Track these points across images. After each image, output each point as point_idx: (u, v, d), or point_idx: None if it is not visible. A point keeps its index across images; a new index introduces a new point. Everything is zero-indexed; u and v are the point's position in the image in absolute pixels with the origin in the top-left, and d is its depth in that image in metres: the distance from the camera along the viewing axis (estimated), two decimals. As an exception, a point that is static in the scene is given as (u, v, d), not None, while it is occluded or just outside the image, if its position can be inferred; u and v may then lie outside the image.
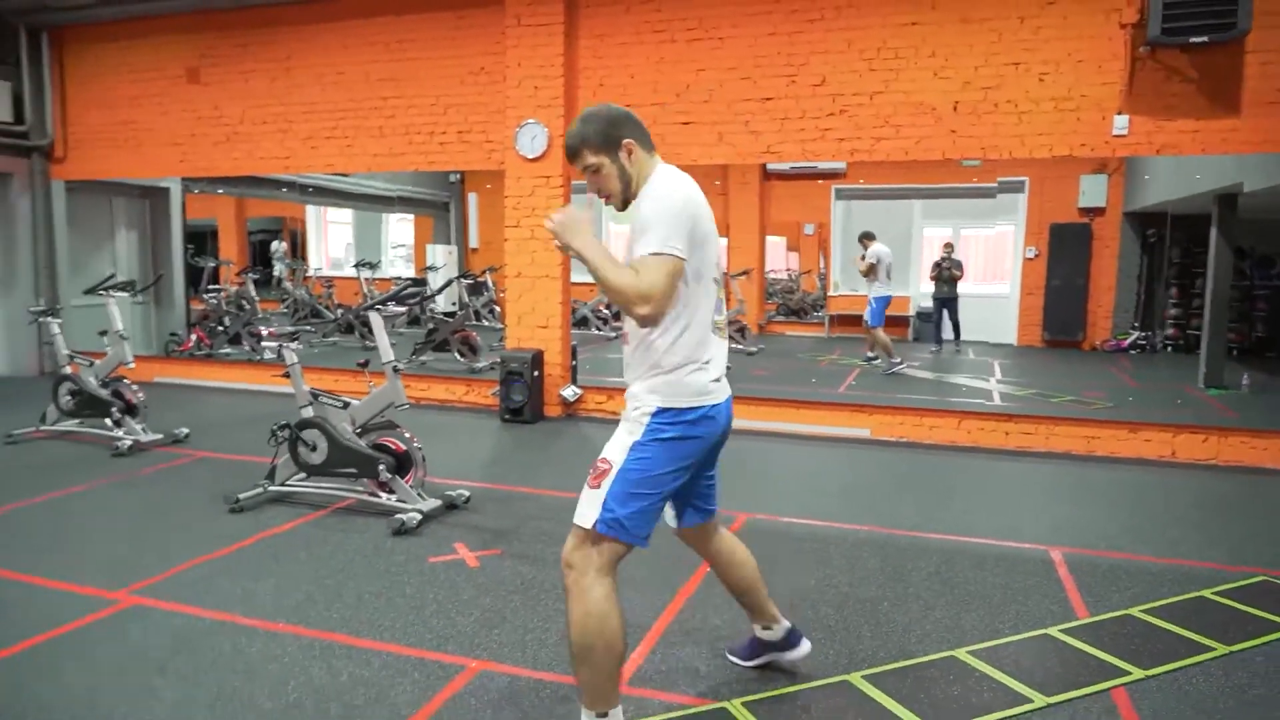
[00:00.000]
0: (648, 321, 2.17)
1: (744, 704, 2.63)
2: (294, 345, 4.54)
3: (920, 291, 13.26)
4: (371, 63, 7.54)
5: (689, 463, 2.33)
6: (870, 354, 10.09)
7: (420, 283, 12.12)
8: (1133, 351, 11.60)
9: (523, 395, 6.80)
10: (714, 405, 2.33)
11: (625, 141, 2.30)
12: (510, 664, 2.88)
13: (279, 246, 15.10)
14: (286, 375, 4.61)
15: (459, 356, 9.22)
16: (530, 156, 6.92)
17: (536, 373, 6.91)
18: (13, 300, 8.79)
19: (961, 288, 11.85)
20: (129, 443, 5.71)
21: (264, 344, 9.11)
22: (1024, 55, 5.94)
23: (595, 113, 2.33)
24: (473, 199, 14.27)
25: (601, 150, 2.30)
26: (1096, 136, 5.87)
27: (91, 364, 6.02)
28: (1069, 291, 12.21)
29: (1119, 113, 5.79)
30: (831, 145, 6.39)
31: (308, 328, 11.63)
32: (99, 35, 8.53)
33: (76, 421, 6.12)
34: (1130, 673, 2.82)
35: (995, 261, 13.76)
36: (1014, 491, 5.30)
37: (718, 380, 2.35)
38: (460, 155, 7.38)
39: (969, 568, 3.83)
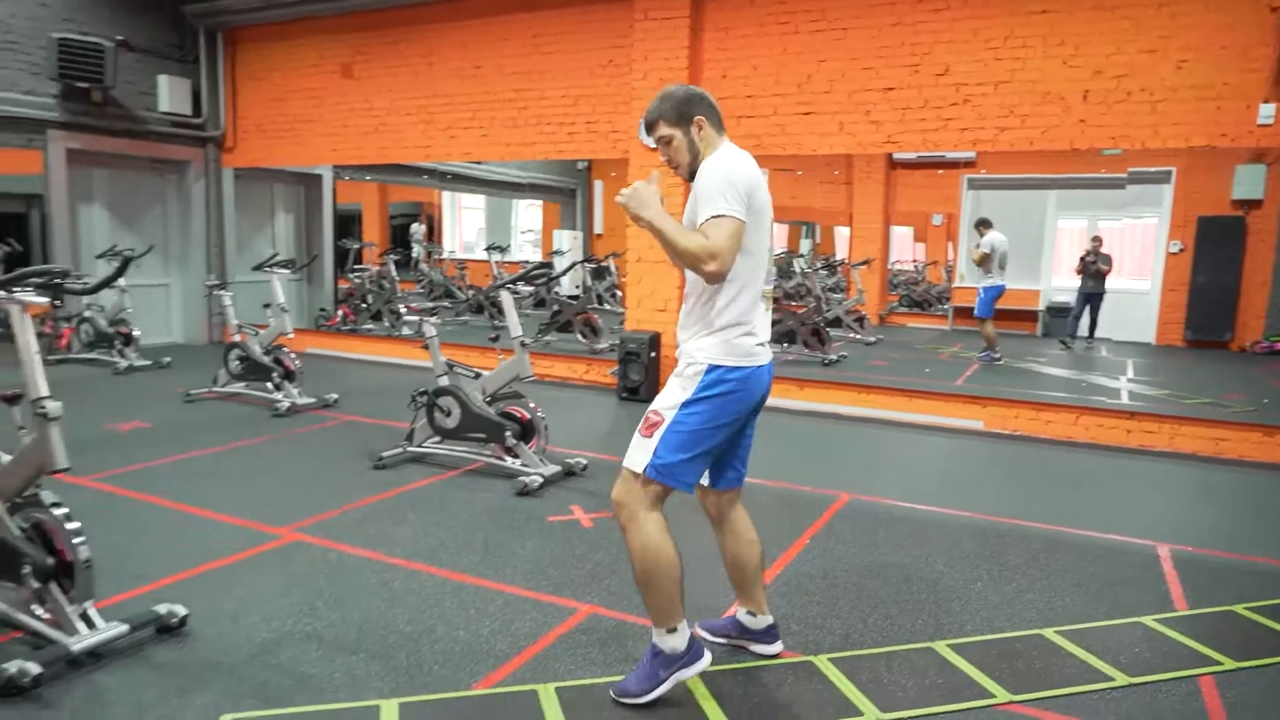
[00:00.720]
0: (715, 278, 2.37)
1: (830, 659, 2.83)
2: (433, 320, 4.98)
3: (1051, 285, 12.81)
4: (507, 57, 7.98)
5: (733, 419, 2.53)
6: (985, 349, 9.91)
7: (547, 265, 12.61)
8: (1286, 354, 10.88)
9: (639, 375, 7.11)
10: (758, 367, 2.52)
11: (696, 118, 2.51)
12: (617, 610, 3.17)
13: (418, 230, 15.98)
14: (425, 348, 5.06)
15: (581, 338, 9.62)
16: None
17: (653, 353, 7.20)
18: (187, 275, 9.77)
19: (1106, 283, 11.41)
20: (287, 405, 6.35)
21: (405, 319, 9.75)
22: (1160, 42, 5.77)
23: (672, 91, 2.56)
24: (598, 186, 14.70)
25: (675, 124, 2.52)
26: (1239, 126, 5.64)
27: (257, 334, 6.71)
28: (1216, 289, 11.52)
29: (1265, 101, 5.55)
30: (954, 135, 6.38)
31: (445, 305, 12.30)
32: (266, 35, 9.34)
33: (242, 384, 6.84)
34: (1221, 663, 2.85)
35: (1135, 255, 13.13)
36: (1127, 488, 5.22)
37: (762, 345, 2.54)
38: (588, 144, 7.73)
39: (1069, 556, 3.88)
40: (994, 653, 2.90)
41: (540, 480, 4.56)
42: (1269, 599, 3.44)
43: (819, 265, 12.89)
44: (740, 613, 2.86)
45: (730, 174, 2.39)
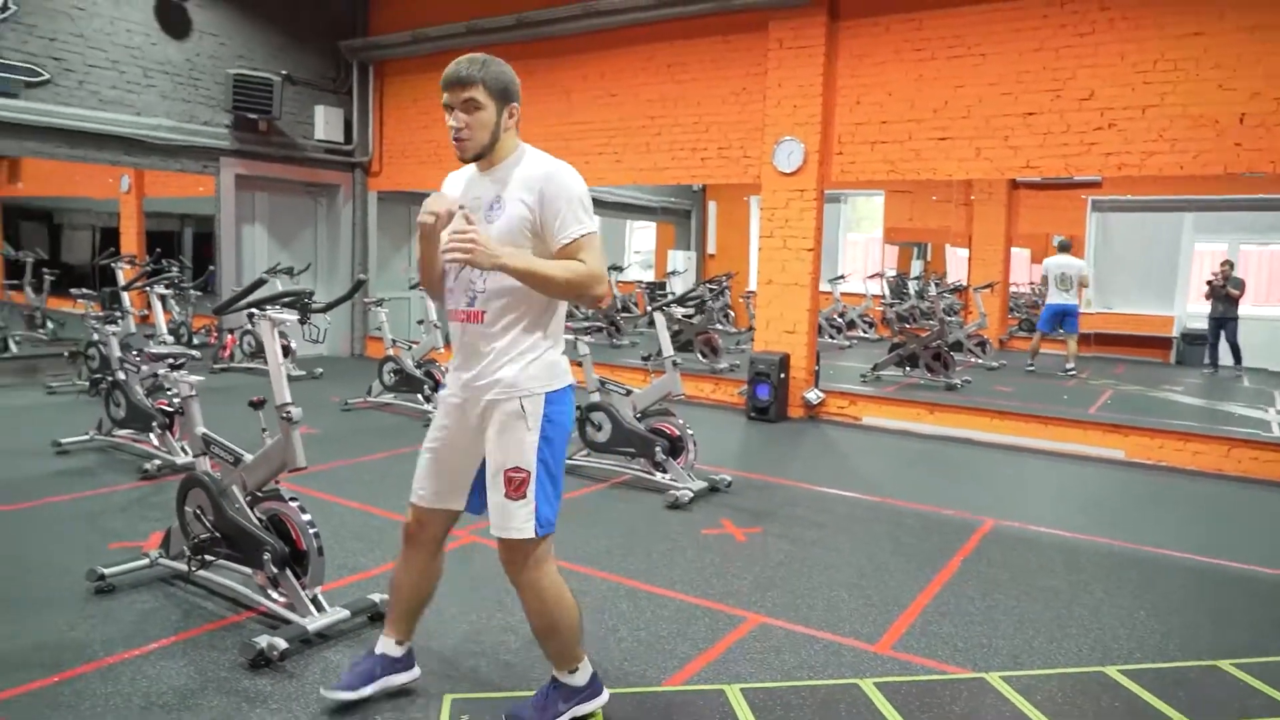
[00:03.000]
0: (603, 301, 2.50)
1: (1002, 677, 2.91)
2: (587, 339, 5.26)
3: (1187, 312, 12.32)
4: (642, 85, 8.30)
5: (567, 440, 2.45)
6: (1068, 366, 10.12)
7: (715, 281, 12.87)
8: None
9: (769, 395, 7.25)
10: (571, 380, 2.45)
11: (514, 105, 2.32)
12: (784, 620, 3.33)
13: None
14: (578, 365, 5.34)
15: (701, 357, 9.80)
16: (787, 171, 7.35)
17: (783, 375, 7.33)
18: (334, 291, 10.43)
19: (1241, 309, 10.94)
20: (437, 415, 6.74)
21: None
22: (1327, 64, 5.60)
23: (503, 65, 2.32)
24: (712, 207, 14.92)
25: (493, 97, 2.26)
26: None
27: (410, 348, 7.16)
28: (1374, 317, 10.89)
29: None
30: (1097, 160, 6.32)
31: (600, 326, 12.46)
32: (412, 68, 9.94)
33: (393, 396, 7.29)
34: None
35: (1280, 281, 12.50)
36: (1291, 524, 5.06)
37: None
38: (719, 170, 7.95)
39: (1237, 592, 3.83)
40: (1169, 680, 2.92)
41: (690, 495, 4.76)
42: None
43: (945, 289, 12.75)
44: (388, 644, 2.61)
45: (582, 187, 2.30)
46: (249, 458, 3.18)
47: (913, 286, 15.73)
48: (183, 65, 8.66)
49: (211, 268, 9.32)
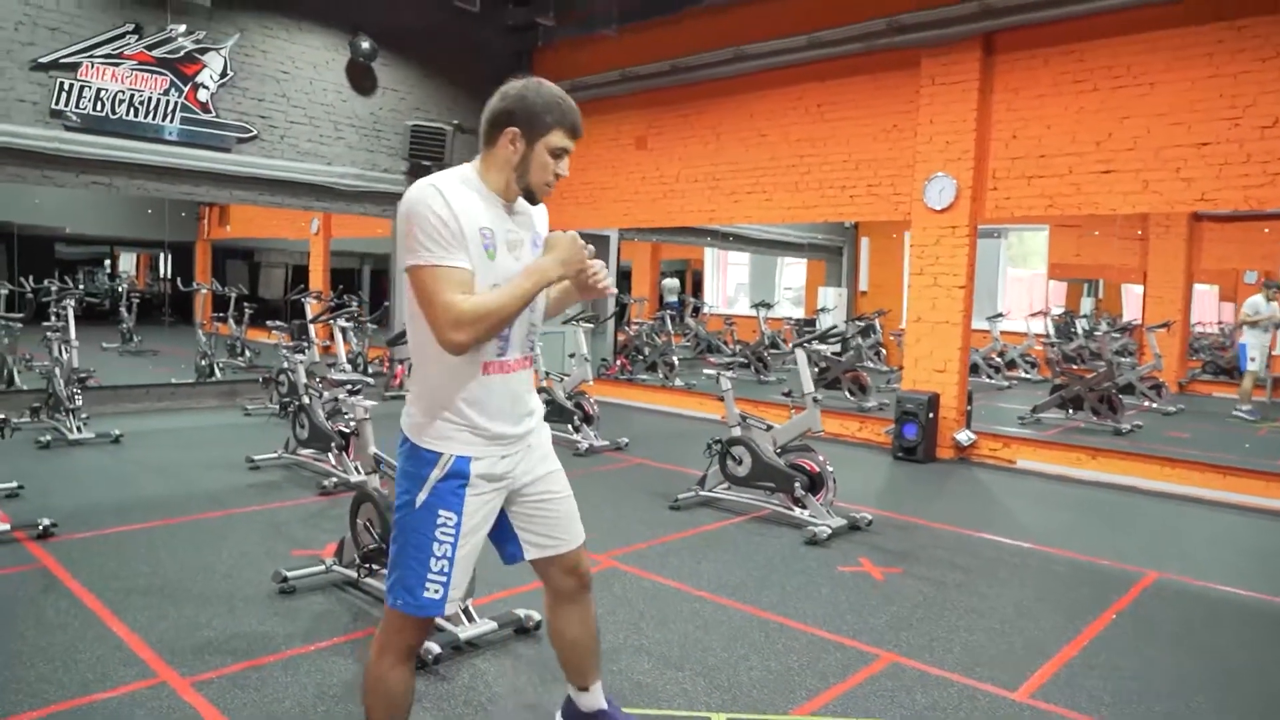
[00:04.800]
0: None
1: (1152, 735, 2.78)
2: (730, 374, 5.38)
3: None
4: (792, 125, 8.41)
5: None
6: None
7: (868, 319, 12.81)
8: None
9: (917, 435, 7.10)
10: None
11: None
12: (918, 660, 3.29)
13: (671, 284, 16.91)
14: (720, 399, 5.47)
15: (849, 395, 9.68)
16: (938, 208, 7.24)
17: (931, 414, 7.16)
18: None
19: None
20: (586, 445, 7.04)
21: (705, 371, 10.36)
22: None
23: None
24: (864, 244, 14.73)
25: None
26: None
27: (561, 380, 7.51)
28: None
29: None
30: (1282, 191, 5.88)
31: (741, 361, 12.58)
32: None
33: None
34: None
35: None
36: None
37: None
38: (868, 207, 7.93)
39: None
40: (1347, 754, 2.70)
41: (828, 531, 4.76)
42: None
43: (1111, 328, 12.03)
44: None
45: None
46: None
47: (1081, 325, 14.90)
48: (367, 119, 9.53)
49: (386, 303, 10.11)
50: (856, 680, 3.11)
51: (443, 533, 2.04)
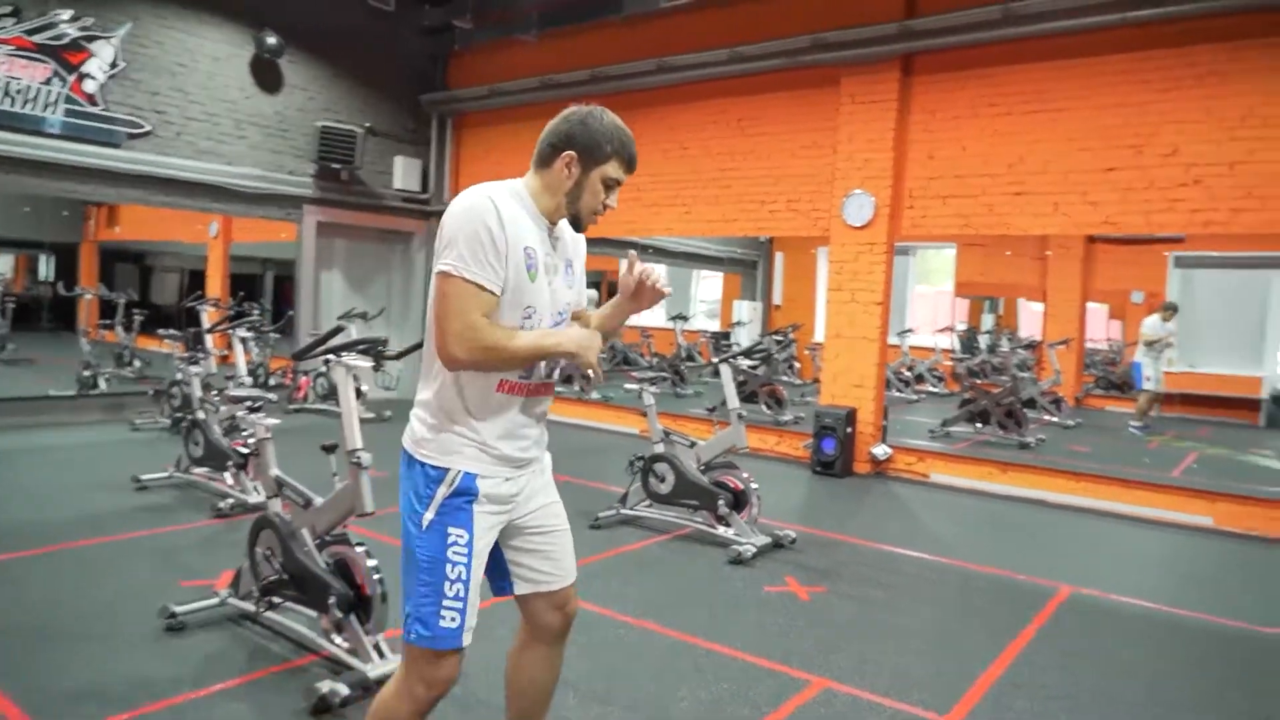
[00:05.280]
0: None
1: (1084, 760, 2.76)
2: (653, 389, 5.26)
3: (1276, 373, 11.78)
4: (713, 138, 8.39)
5: None
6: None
7: (783, 333, 12.86)
8: None
9: (835, 449, 7.12)
10: None
11: None
12: (849, 685, 3.22)
13: (589, 295, 16.73)
14: (642, 413, 5.34)
15: (766, 408, 9.71)
16: (856, 225, 7.31)
17: (849, 429, 7.20)
18: (406, 335, 10.66)
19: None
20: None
21: (626, 386, 10.19)
22: None
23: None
24: (779, 258, 14.90)
25: None
26: None
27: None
28: None
29: None
30: (1182, 217, 6.13)
31: (665, 376, 12.40)
32: (489, 120, 10.24)
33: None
34: None
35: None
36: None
37: None
38: (788, 222, 7.95)
39: (1339, 675, 3.57)
40: (1268, 772, 2.73)
41: (753, 550, 4.67)
42: None
43: (1013, 344, 12.44)
44: None
45: None
46: (319, 501, 3.24)
47: (983, 341, 15.41)
48: (273, 118, 9.08)
49: (290, 312, 9.64)
50: (789, 709, 3.01)
51: (455, 552, 1.94)
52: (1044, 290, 13.68)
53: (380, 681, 3.00)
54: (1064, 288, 13.24)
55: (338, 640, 3.17)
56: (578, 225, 2.08)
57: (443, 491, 1.95)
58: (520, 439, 2.04)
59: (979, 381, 11.12)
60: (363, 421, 8.63)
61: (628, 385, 10.56)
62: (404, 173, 10.24)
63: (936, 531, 5.75)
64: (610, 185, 2.04)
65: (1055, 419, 10.42)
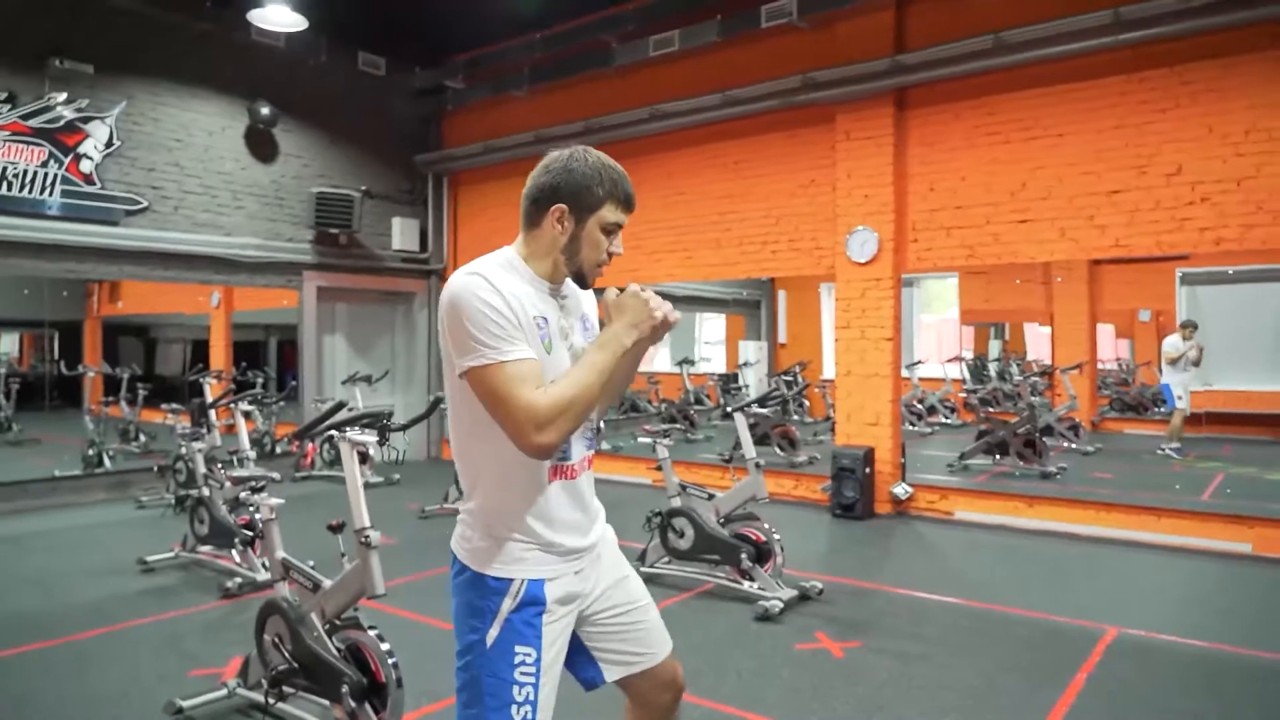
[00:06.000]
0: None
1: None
2: (667, 441, 5.12)
3: (1295, 386, 11.59)
4: (710, 183, 8.36)
5: None
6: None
7: (789, 376, 12.72)
8: None
9: (855, 491, 6.95)
10: None
11: None
12: (896, 753, 3.03)
13: None
14: (657, 466, 5.20)
15: (779, 451, 9.54)
16: (861, 261, 7.23)
17: (868, 469, 7.04)
18: (411, 396, 10.57)
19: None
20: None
21: (640, 438, 10.06)
22: None
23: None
24: (782, 296, 14.85)
25: None
26: None
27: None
28: None
29: None
30: (1192, 235, 6.04)
31: (678, 427, 12.20)
32: (483, 177, 10.25)
33: (470, 501, 7.22)
34: None
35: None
36: None
37: None
38: (790, 262, 7.88)
39: None
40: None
41: (780, 605, 4.49)
42: None
43: (1027, 372, 12.30)
44: None
45: None
46: (328, 584, 3.10)
47: (993, 368, 15.26)
48: (269, 187, 9.10)
49: (293, 382, 9.56)
50: (833, 783, 2.83)
51: (522, 673, 1.77)
52: (1050, 313, 13.58)
53: (399, 774, 2.84)
54: (1071, 310, 13.14)
55: (352, 732, 3.00)
56: (583, 282, 1.91)
57: (508, 605, 1.78)
58: (579, 525, 1.89)
59: (992, 410, 10.97)
60: (370, 486, 8.46)
61: (642, 438, 10.41)
62: (402, 233, 10.23)
63: (967, 573, 5.56)
64: (610, 230, 1.86)
65: (1074, 445, 10.24)
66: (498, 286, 1.72)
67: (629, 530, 5.98)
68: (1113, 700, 3.50)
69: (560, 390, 1.69)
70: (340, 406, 3.16)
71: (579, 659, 1.97)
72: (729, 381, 13.45)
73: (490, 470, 1.80)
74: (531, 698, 1.77)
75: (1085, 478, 8.43)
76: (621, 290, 1.83)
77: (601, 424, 2.19)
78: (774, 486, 7.91)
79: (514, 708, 1.76)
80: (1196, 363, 9.66)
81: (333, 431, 3.02)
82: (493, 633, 1.77)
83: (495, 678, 1.76)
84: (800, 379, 13.14)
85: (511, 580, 1.78)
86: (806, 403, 13.56)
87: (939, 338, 15.80)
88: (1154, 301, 14.05)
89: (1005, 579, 5.50)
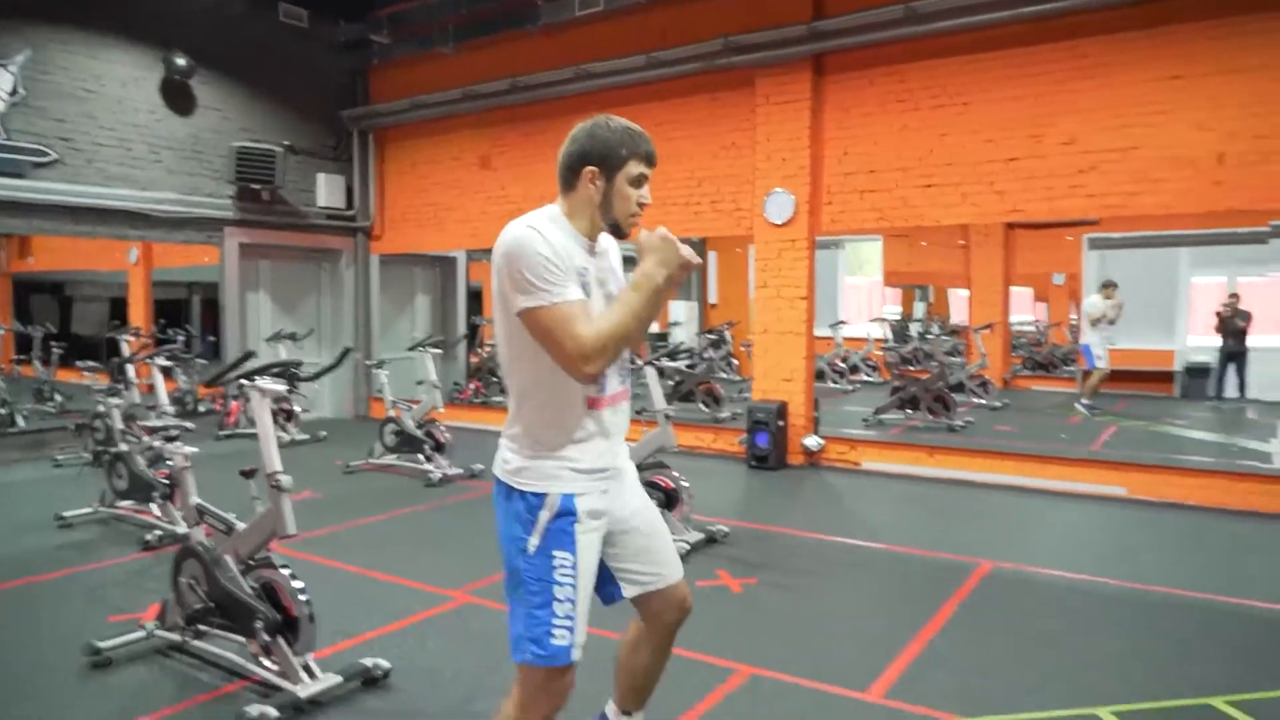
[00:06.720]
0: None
1: (994, 724, 2.90)
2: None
3: (1186, 346, 12.33)
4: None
5: None
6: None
7: (714, 334, 12.94)
8: None
9: (768, 443, 7.27)
10: None
11: None
12: (775, 671, 3.32)
13: None
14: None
15: (703, 407, 9.83)
16: (778, 222, 7.47)
17: (781, 423, 7.36)
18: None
19: (1250, 340, 11.01)
20: (439, 475, 6.80)
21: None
22: (1300, 101, 5.70)
23: None
24: (712, 257, 15.07)
25: None
26: (1389, 182, 5.50)
27: (410, 409, 7.24)
28: (1373, 344, 10.87)
29: None
30: (1081, 202, 6.41)
31: None
32: (411, 134, 10.19)
33: (395, 457, 7.34)
34: None
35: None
36: (1294, 558, 5.02)
37: None
38: (713, 223, 8.09)
39: (1234, 627, 3.80)
40: (1162, 722, 2.91)
41: (687, 547, 4.76)
42: None
43: (942, 331, 12.79)
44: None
45: None
46: (241, 526, 3.23)
47: (915, 329, 15.79)
48: (187, 140, 8.92)
49: (212, 337, 9.45)
50: (716, 698, 3.11)
51: (562, 574, 2.04)
52: (968, 276, 14.11)
53: (312, 701, 3.02)
54: (987, 273, 13.66)
55: (267, 664, 3.16)
56: (619, 232, 2.15)
57: (545, 516, 2.03)
58: (607, 451, 2.14)
59: (911, 369, 11.42)
60: (297, 443, 8.51)
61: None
62: (328, 190, 10.13)
63: (867, 518, 5.92)
64: (637, 183, 2.12)
65: (983, 401, 10.75)
66: (549, 238, 1.98)
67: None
68: (976, 621, 3.85)
69: (603, 325, 1.96)
70: (249, 356, 3.26)
71: (601, 575, 2.23)
72: (658, 340, 13.67)
73: (533, 398, 2.07)
74: (572, 596, 2.04)
75: (990, 430, 8.92)
76: (651, 233, 2.07)
77: (636, 360, 2.54)
78: (694, 440, 8.20)
79: (556, 604, 2.03)
80: (1113, 321, 10.08)
81: (243, 380, 3.13)
82: (534, 540, 2.04)
83: (539, 581, 2.03)
84: (728, 338, 13.44)
85: (546, 494, 2.05)
86: (735, 362, 13.86)
87: (867, 299, 16.29)
88: (1065, 265, 14.70)
89: (899, 521, 5.87)
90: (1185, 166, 6.03)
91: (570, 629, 2.04)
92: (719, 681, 3.23)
